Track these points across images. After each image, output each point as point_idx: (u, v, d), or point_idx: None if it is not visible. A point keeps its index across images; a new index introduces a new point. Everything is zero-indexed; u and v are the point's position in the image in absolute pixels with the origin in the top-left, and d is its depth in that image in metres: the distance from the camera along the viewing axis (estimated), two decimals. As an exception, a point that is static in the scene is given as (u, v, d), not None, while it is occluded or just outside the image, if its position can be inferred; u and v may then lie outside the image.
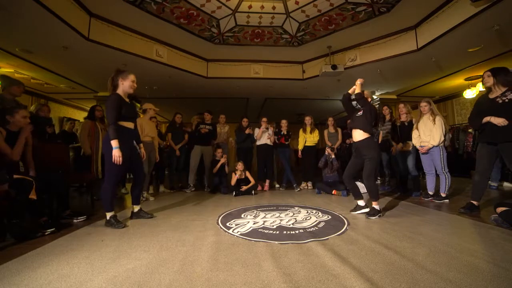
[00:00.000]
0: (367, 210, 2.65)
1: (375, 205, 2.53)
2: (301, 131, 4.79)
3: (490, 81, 2.44)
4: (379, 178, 5.25)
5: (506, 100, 2.31)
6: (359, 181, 4.20)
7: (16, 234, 1.94)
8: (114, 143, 2.22)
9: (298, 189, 4.48)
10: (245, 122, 4.85)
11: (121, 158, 2.23)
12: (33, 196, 2.05)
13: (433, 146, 3.21)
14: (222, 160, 4.45)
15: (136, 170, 2.59)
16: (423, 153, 3.36)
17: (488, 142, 2.45)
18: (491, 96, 2.45)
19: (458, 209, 2.70)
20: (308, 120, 4.78)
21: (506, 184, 4.34)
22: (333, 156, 4.22)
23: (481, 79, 2.62)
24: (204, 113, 4.83)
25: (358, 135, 2.62)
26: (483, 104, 2.53)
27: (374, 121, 2.67)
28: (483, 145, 2.52)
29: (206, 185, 4.78)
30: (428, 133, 3.29)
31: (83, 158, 3.69)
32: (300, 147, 4.74)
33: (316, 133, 4.77)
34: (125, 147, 2.30)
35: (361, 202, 2.72)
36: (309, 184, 4.76)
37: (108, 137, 2.26)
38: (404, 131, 3.82)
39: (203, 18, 4.51)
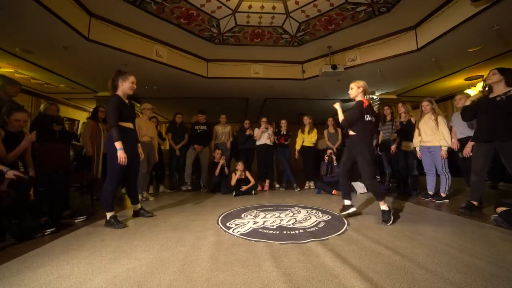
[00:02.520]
0: (354, 209, 2.51)
1: (383, 206, 2.27)
2: (299, 131, 4.79)
3: (494, 78, 2.37)
4: (378, 177, 5.24)
5: (504, 98, 2.29)
6: (359, 181, 4.22)
7: (16, 234, 1.94)
8: (119, 144, 2.24)
9: (298, 189, 4.48)
10: (246, 124, 4.86)
11: (126, 159, 2.26)
12: (31, 197, 2.06)
13: (440, 146, 3.20)
14: (221, 162, 4.44)
15: (132, 170, 2.59)
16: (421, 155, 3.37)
17: (485, 141, 2.45)
18: (492, 96, 2.42)
19: (458, 209, 2.70)
20: (306, 120, 4.78)
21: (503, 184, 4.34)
22: (335, 164, 4.23)
23: (481, 79, 2.61)
24: (197, 114, 4.87)
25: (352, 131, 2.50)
26: (481, 104, 2.49)
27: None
28: (479, 145, 2.52)
29: (202, 186, 4.77)
30: (430, 133, 3.28)
31: (84, 158, 3.69)
32: (298, 147, 4.73)
33: (314, 133, 4.76)
34: (127, 147, 2.31)
35: (347, 202, 2.55)
36: (311, 184, 4.74)
37: (111, 138, 2.27)
38: (405, 131, 3.80)
39: (203, 18, 4.51)
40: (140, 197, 3.30)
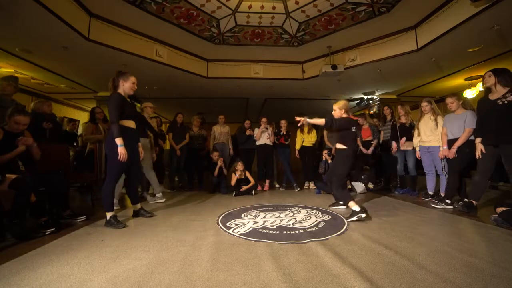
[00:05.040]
0: (344, 207, 2.73)
1: (352, 206, 2.38)
2: (298, 131, 4.80)
3: (491, 81, 2.38)
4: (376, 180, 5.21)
5: (506, 102, 2.28)
6: (359, 181, 4.22)
7: (16, 234, 1.94)
8: (119, 141, 2.24)
9: (298, 189, 4.48)
10: (247, 124, 4.86)
11: (126, 156, 2.26)
12: (33, 198, 2.07)
13: (439, 146, 3.18)
14: (219, 163, 4.43)
15: (133, 170, 2.59)
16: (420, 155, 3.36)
17: (492, 145, 2.41)
18: (492, 97, 2.41)
19: (455, 204, 2.71)
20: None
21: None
22: (330, 162, 4.24)
23: (481, 79, 2.60)
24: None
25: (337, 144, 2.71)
26: (483, 106, 2.50)
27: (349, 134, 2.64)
28: (487, 147, 2.47)
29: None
30: (429, 133, 3.28)
31: (86, 159, 3.69)
32: (298, 147, 4.74)
33: (314, 133, 4.76)
34: (127, 146, 2.31)
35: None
36: (311, 184, 4.74)
37: (111, 136, 2.27)
38: (404, 132, 3.80)
39: (203, 18, 4.51)
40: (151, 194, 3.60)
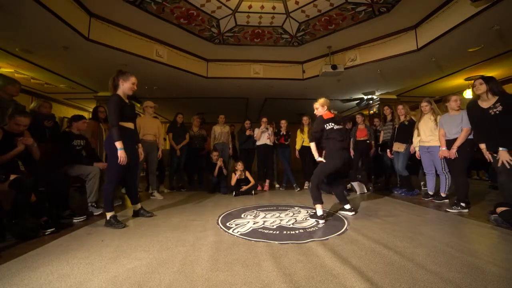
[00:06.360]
0: (353, 212, 2.61)
1: (318, 208, 2.40)
2: (298, 131, 4.80)
3: (482, 88, 2.40)
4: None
5: (497, 112, 2.31)
6: (358, 181, 4.22)
7: (16, 234, 1.94)
8: (119, 144, 2.25)
9: (298, 189, 4.48)
10: (247, 124, 4.86)
11: (126, 159, 2.27)
12: (33, 198, 2.07)
13: (439, 146, 3.16)
14: (219, 163, 4.43)
15: (133, 171, 2.59)
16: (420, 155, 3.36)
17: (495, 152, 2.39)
18: (483, 105, 2.43)
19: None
20: (305, 120, 4.77)
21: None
22: None
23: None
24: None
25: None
26: (475, 113, 2.52)
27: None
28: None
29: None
30: (429, 133, 3.28)
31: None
32: (298, 147, 4.74)
33: None
34: (127, 147, 2.32)
35: (347, 206, 2.65)
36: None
37: (111, 138, 2.27)
38: (403, 132, 3.80)
39: (203, 18, 4.51)
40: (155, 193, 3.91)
